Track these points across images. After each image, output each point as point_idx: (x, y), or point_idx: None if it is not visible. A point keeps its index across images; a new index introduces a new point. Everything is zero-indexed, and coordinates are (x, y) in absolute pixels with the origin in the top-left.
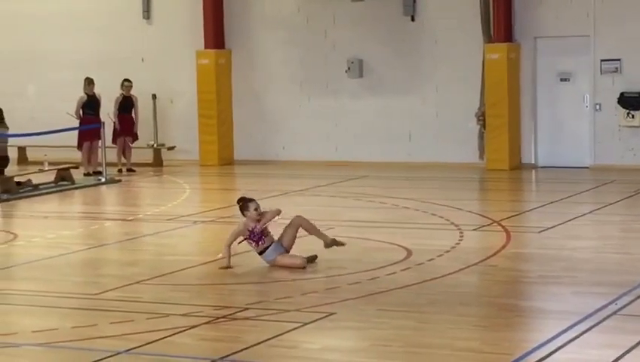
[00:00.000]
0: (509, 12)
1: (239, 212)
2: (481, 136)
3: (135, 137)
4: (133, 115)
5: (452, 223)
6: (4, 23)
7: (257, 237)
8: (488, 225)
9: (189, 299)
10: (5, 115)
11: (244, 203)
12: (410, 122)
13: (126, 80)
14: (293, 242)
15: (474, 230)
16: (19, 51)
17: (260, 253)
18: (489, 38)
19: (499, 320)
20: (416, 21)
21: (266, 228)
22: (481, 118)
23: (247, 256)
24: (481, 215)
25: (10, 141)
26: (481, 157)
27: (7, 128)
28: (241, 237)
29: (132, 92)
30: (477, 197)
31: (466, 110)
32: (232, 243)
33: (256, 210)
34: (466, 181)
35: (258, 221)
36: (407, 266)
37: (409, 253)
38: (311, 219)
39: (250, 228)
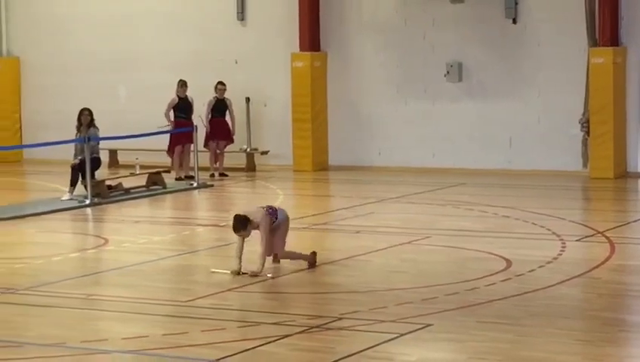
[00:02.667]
0: (615, 14)
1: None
2: (584, 143)
3: (230, 140)
4: (227, 118)
5: (554, 233)
6: (97, 24)
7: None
8: (592, 235)
9: (281, 308)
10: (96, 116)
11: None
12: (510, 128)
13: (220, 82)
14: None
15: (577, 241)
16: (111, 52)
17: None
18: (594, 42)
19: (602, 334)
20: (518, 23)
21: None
22: (585, 124)
23: (342, 264)
24: (584, 225)
25: (101, 144)
26: (585, 165)
27: (98, 129)
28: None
29: (226, 95)
30: (580, 207)
31: (569, 116)
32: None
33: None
34: (569, 190)
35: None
36: (506, 277)
37: (509, 263)
38: (408, 228)
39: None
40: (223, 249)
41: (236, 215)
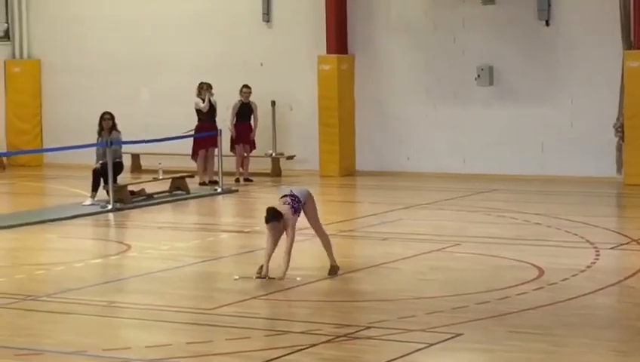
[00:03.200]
0: None
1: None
2: (619, 149)
3: (252, 146)
4: (251, 122)
5: (587, 241)
6: (120, 25)
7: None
8: (627, 243)
9: (308, 316)
10: (118, 120)
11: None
12: (543, 133)
13: (245, 86)
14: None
15: (611, 249)
16: (133, 54)
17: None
18: (629, 45)
19: (637, 344)
20: (550, 26)
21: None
22: (620, 129)
23: (370, 271)
24: (618, 233)
25: (124, 148)
26: (619, 171)
27: (120, 133)
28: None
29: (251, 98)
30: (614, 214)
31: (603, 121)
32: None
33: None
34: (603, 196)
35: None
36: (539, 286)
37: (541, 271)
38: (438, 234)
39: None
40: (247, 256)
41: (270, 207)
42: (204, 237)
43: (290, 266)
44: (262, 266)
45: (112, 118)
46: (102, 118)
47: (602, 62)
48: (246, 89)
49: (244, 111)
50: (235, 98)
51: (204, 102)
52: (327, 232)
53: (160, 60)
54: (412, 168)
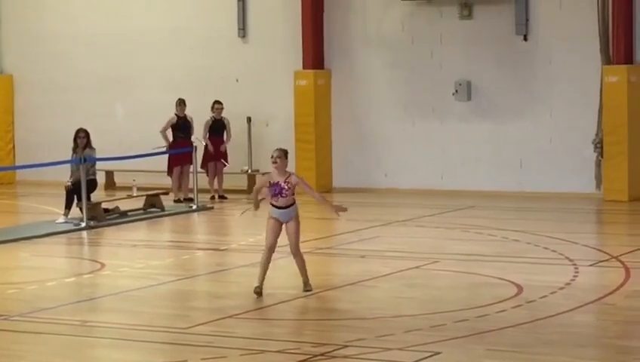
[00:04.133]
0: (630, 31)
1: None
2: (598, 165)
3: (226, 162)
4: (224, 138)
5: (566, 258)
6: (93, 40)
7: (276, 191)
8: (606, 260)
9: (285, 335)
10: (92, 136)
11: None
12: (521, 149)
13: (217, 102)
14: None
15: (590, 266)
16: (107, 70)
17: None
18: (608, 60)
19: None
20: (529, 40)
21: (288, 189)
22: (599, 144)
23: (347, 289)
24: (598, 249)
25: (98, 165)
26: (599, 187)
27: (94, 150)
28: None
29: (224, 114)
30: (593, 231)
31: (582, 136)
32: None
33: (272, 157)
34: (582, 213)
35: (285, 175)
36: (517, 303)
37: (520, 289)
38: (415, 252)
39: (272, 181)
40: (223, 274)
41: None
42: (179, 255)
43: (275, 286)
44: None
45: (87, 135)
46: (76, 135)
47: (581, 77)
48: (218, 105)
49: (217, 128)
50: (210, 114)
51: (177, 119)
52: (305, 250)
53: (134, 76)
54: (389, 185)
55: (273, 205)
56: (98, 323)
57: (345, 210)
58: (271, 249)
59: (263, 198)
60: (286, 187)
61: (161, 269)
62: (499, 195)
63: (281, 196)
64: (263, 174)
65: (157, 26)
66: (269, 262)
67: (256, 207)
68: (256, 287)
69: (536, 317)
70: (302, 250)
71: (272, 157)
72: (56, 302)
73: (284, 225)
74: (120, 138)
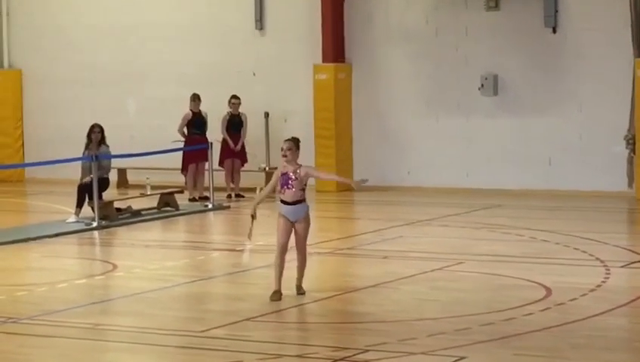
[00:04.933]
0: None
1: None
2: (630, 162)
3: (244, 160)
4: (242, 134)
5: (597, 259)
6: (104, 34)
7: (282, 181)
8: (638, 261)
9: (303, 339)
10: (105, 133)
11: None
12: (550, 145)
13: (234, 96)
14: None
15: (622, 267)
16: (119, 64)
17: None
18: None
19: None
20: (558, 33)
21: (296, 179)
22: (631, 141)
23: (369, 291)
24: (630, 250)
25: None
26: (630, 185)
27: (109, 147)
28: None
29: (241, 109)
30: (625, 231)
31: (613, 132)
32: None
33: (282, 150)
34: (613, 212)
35: (295, 166)
36: (546, 306)
37: (548, 291)
38: (440, 252)
39: (282, 171)
40: (240, 275)
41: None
42: (194, 256)
43: (294, 287)
44: (275, 291)
45: (102, 130)
46: (91, 130)
47: (612, 70)
48: (234, 100)
49: (234, 123)
50: (225, 109)
51: (192, 115)
52: (326, 251)
53: (147, 70)
54: (413, 183)
55: (281, 201)
56: (110, 326)
57: (365, 180)
58: (283, 250)
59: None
60: (293, 177)
61: (175, 270)
62: (526, 194)
63: (287, 188)
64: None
65: (171, 18)
66: (283, 263)
67: (253, 216)
68: (274, 292)
69: (565, 321)
70: (324, 251)
71: (281, 149)
72: (66, 305)
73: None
74: (132, 134)
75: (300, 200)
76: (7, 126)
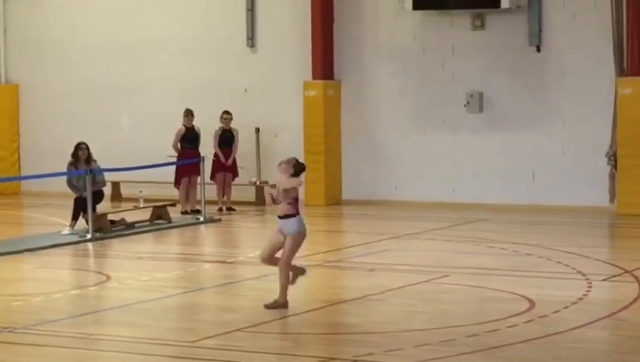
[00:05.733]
0: None
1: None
2: (612, 178)
3: (235, 174)
4: (233, 149)
5: (579, 272)
6: (100, 49)
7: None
8: (619, 275)
9: (292, 349)
10: (98, 147)
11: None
12: (534, 161)
13: (226, 112)
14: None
15: (603, 280)
16: (114, 79)
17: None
18: (622, 71)
19: None
20: (542, 52)
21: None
22: (613, 157)
23: (356, 303)
24: (611, 264)
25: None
26: (612, 200)
27: (96, 162)
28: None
29: (233, 125)
30: (607, 245)
31: (595, 148)
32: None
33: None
34: (595, 226)
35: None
36: (529, 318)
37: (532, 304)
38: (426, 265)
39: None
40: (231, 287)
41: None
42: (186, 268)
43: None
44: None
45: (88, 148)
46: (77, 147)
47: (594, 88)
48: (226, 115)
49: (226, 138)
50: (218, 124)
51: (185, 130)
52: (314, 263)
53: (141, 85)
54: (400, 197)
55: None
56: (103, 336)
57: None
58: (263, 258)
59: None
60: (278, 191)
61: (167, 282)
62: (511, 208)
63: (278, 202)
64: (272, 186)
65: (165, 35)
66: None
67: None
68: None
69: (548, 333)
70: (312, 263)
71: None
72: (61, 315)
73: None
74: (126, 148)
75: (289, 215)
76: (3, 139)
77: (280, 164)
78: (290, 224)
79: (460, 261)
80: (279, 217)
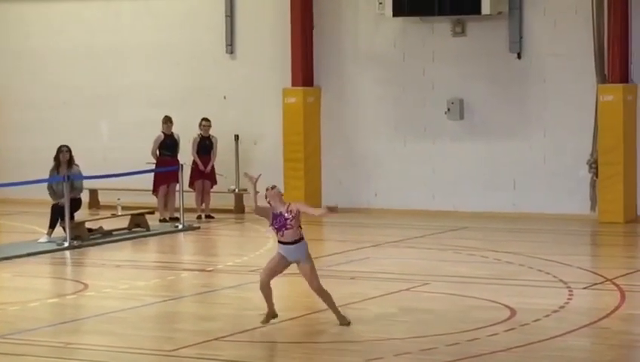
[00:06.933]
0: (626, 50)
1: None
2: (593, 186)
3: (213, 181)
4: (212, 156)
5: (560, 280)
6: (77, 57)
7: (280, 223)
8: (600, 283)
9: (272, 358)
10: (76, 154)
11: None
12: (515, 169)
13: (204, 119)
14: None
15: (584, 288)
16: (92, 87)
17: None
18: (603, 78)
19: None
20: (522, 59)
21: (293, 218)
22: (594, 165)
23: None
24: (592, 272)
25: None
26: (593, 208)
27: (78, 166)
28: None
29: (211, 132)
30: (588, 253)
31: (576, 156)
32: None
33: (266, 197)
34: (576, 234)
35: (285, 205)
36: (510, 327)
37: (513, 312)
38: (406, 274)
39: (275, 212)
40: (209, 295)
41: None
42: (165, 276)
43: (263, 308)
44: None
45: (70, 151)
46: (59, 150)
47: (576, 96)
48: (205, 122)
49: (205, 146)
50: (196, 132)
51: (163, 138)
52: (293, 272)
53: (120, 93)
54: (380, 205)
55: (280, 242)
56: (81, 346)
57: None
58: (261, 285)
59: (259, 192)
60: (290, 216)
61: (146, 290)
62: (492, 216)
63: (286, 228)
64: (256, 193)
65: (143, 41)
66: (268, 290)
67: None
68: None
69: (529, 341)
70: (291, 271)
71: (267, 189)
72: (38, 324)
73: (296, 266)
74: (105, 156)
75: (299, 239)
76: None
77: (273, 188)
78: (301, 247)
79: (440, 269)
80: (288, 243)
